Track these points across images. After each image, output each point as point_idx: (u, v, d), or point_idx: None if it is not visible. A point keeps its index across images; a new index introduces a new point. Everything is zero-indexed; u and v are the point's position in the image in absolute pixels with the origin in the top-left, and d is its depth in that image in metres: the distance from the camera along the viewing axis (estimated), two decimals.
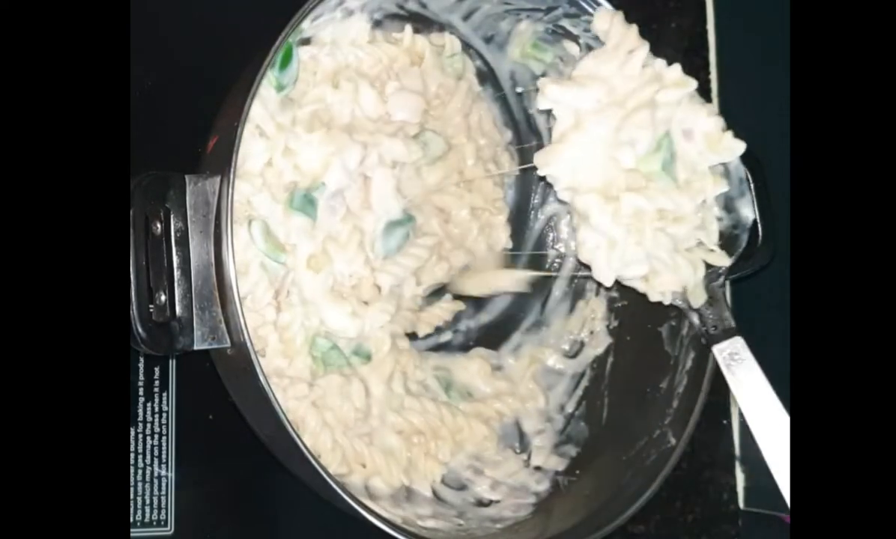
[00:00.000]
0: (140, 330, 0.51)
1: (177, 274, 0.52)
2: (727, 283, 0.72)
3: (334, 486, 0.52)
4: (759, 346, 0.73)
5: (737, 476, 0.73)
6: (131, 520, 0.62)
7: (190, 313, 0.52)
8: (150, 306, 0.52)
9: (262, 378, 0.50)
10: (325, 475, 0.51)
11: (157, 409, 0.63)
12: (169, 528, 0.62)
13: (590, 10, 0.62)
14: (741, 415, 0.73)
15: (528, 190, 0.72)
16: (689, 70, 0.75)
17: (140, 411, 0.63)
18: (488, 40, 0.67)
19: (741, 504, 0.72)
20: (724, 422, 0.73)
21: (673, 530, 0.71)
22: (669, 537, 0.71)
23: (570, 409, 0.68)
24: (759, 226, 0.64)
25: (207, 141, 0.56)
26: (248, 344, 0.50)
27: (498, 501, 0.64)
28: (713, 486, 0.72)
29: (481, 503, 0.64)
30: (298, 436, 0.51)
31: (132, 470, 0.62)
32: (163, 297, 0.52)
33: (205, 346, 0.52)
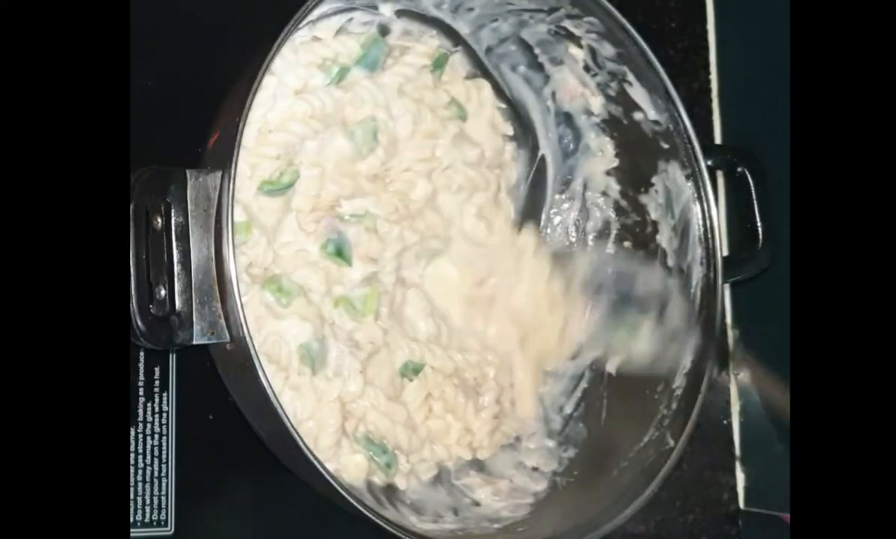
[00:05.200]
0: (139, 323, 0.51)
1: (177, 268, 0.52)
2: (727, 285, 0.72)
3: (334, 483, 0.51)
4: (759, 347, 0.74)
5: (737, 476, 0.73)
6: (131, 520, 0.61)
7: (189, 308, 0.52)
8: (150, 301, 0.52)
9: (260, 373, 0.50)
10: (325, 474, 0.51)
11: (157, 409, 0.63)
12: (169, 528, 0.62)
13: (592, 10, 0.62)
14: (741, 415, 0.73)
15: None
16: (689, 70, 0.76)
17: (140, 411, 0.63)
18: (488, 51, 0.68)
19: (741, 504, 0.72)
20: (725, 422, 0.73)
21: (673, 530, 0.71)
22: (669, 537, 0.71)
23: (568, 410, 0.68)
24: (759, 229, 0.64)
25: (208, 138, 0.56)
26: (248, 339, 0.50)
27: (496, 501, 0.64)
28: (713, 486, 0.72)
29: (477, 503, 0.64)
30: (297, 432, 0.51)
31: (132, 470, 0.62)
32: (162, 292, 0.52)
33: (204, 341, 0.52)
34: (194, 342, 0.52)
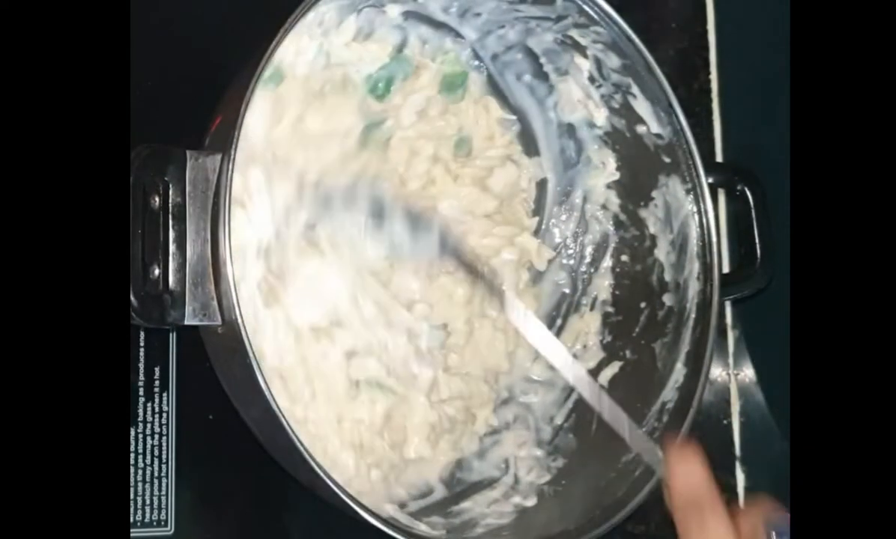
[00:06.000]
0: (132, 299, 0.51)
1: (172, 248, 0.52)
2: (727, 302, 0.72)
3: (321, 473, 0.51)
4: (760, 360, 0.74)
5: (737, 476, 0.73)
6: (131, 520, 0.62)
7: (182, 288, 0.52)
8: (143, 278, 0.52)
9: (251, 356, 0.50)
10: (311, 462, 0.51)
11: (157, 409, 0.63)
12: (169, 528, 0.62)
13: (599, 20, 0.62)
14: (741, 415, 0.73)
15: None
16: (689, 70, 0.75)
17: (140, 411, 0.63)
18: (494, 58, 0.68)
19: (741, 504, 0.72)
20: (725, 422, 0.73)
21: (673, 530, 0.70)
22: (669, 537, 0.70)
23: (559, 420, 0.68)
24: (758, 249, 0.64)
25: (210, 123, 0.56)
26: (240, 322, 0.50)
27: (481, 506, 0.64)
28: None
29: (464, 508, 0.64)
30: (286, 419, 0.51)
31: (132, 470, 0.62)
32: (157, 271, 0.52)
33: (195, 322, 0.52)
34: (186, 322, 0.52)
